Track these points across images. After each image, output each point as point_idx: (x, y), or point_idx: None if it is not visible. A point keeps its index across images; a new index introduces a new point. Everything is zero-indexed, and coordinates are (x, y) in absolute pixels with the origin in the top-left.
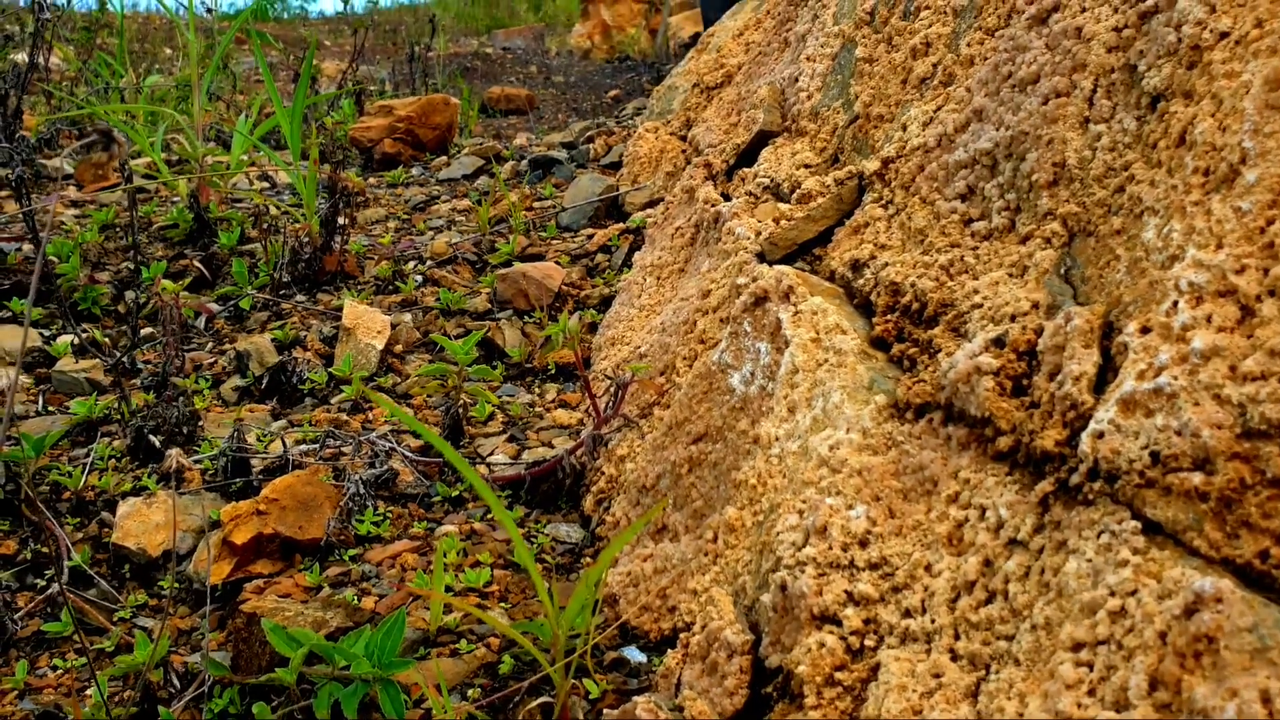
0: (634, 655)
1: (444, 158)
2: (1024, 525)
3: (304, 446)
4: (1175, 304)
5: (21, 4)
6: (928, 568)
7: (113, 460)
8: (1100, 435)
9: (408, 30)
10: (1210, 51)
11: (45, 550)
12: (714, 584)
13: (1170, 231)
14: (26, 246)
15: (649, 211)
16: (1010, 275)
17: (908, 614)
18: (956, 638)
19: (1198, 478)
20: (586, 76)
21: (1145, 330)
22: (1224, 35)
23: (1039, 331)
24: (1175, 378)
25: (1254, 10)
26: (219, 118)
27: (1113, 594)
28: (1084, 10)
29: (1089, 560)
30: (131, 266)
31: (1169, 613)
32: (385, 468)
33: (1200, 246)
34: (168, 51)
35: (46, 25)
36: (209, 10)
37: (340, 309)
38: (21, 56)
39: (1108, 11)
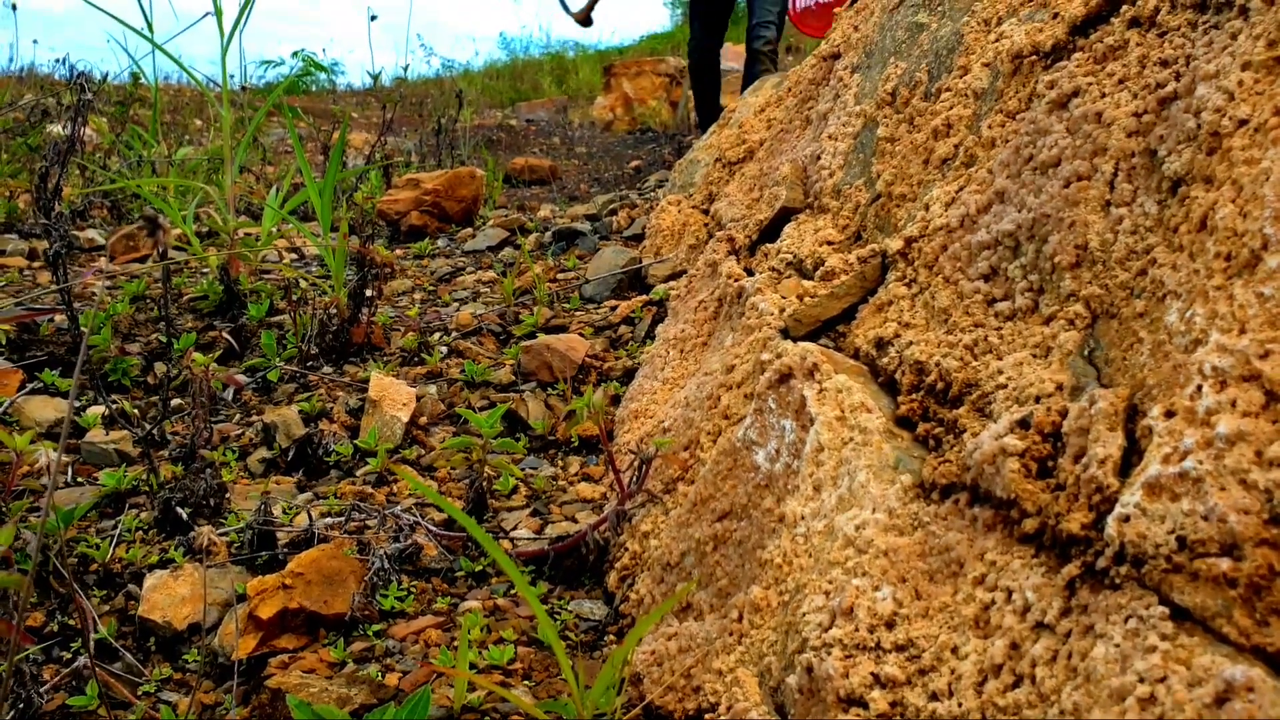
0: None
1: (469, 229)
2: (1051, 609)
3: (329, 520)
4: (1199, 388)
5: (57, 76)
6: (954, 650)
7: (140, 532)
8: (1126, 519)
9: (434, 103)
10: (1230, 138)
11: (72, 623)
12: (739, 664)
13: (1193, 315)
14: (59, 318)
15: (672, 284)
16: (1034, 356)
17: (934, 697)
18: None
19: (1225, 564)
20: (608, 147)
21: (1170, 414)
22: (1243, 123)
23: (1063, 413)
24: (1201, 462)
25: (1272, 99)
26: (248, 189)
27: (1142, 680)
28: (1104, 95)
29: (1117, 645)
30: (163, 339)
31: (1199, 701)
32: (409, 542)
33: (1223, 331)
34: (198, 123)
35: (87, 105)
36: (243, 87)
37: (366, 381)
38: (56, 129)
39: (1127, 97)
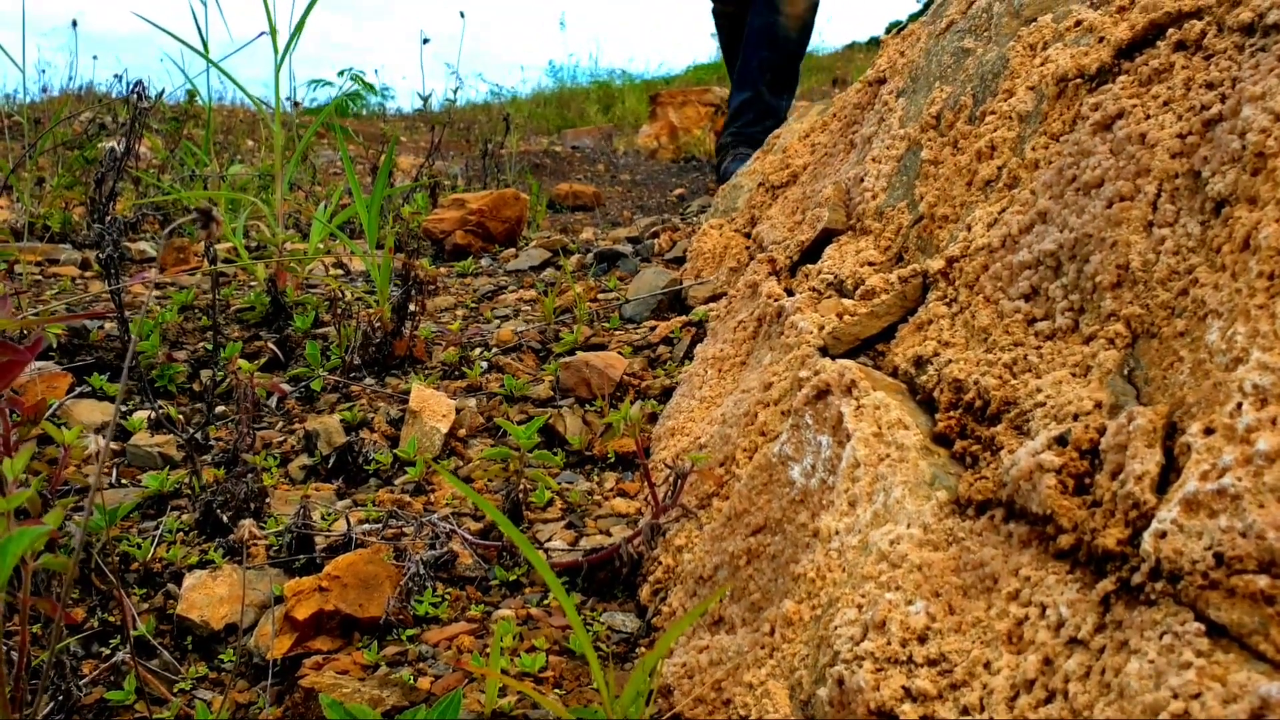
0: None
1: (512, 250)
2: (1085, 624)
3: (367, 526)
4: (1239, 405)
5: (115, 94)
6: (987, 665)
7: (181, 533)
8: (1163, 535)
9: (481, 128)
10: (1275, 158)
11: (112, 619)
12: (770, 677)
13: (1234, 334)
14: (109, 325)
15: (711, 305)
16: (1073, 375)
17: (966, 711)
18: None
19: (1263, 580)
20: (652, 175)
21: (1209, 431)
22: None
23: (1101, 431)
24: (1239, 479)
25: None
26: (298, 206)
27: (1176, 696)
28: (1148, 117)
29: (1151, 661)
30: (210, 346)
31: (1234, 717)
32: (445, 549)
33: (1265, 349)
34: (249, 143)
35: (143, 114)
36: (295, 104)
37: (408, 392)
38: (113, 144)
39: (1172, 119)
